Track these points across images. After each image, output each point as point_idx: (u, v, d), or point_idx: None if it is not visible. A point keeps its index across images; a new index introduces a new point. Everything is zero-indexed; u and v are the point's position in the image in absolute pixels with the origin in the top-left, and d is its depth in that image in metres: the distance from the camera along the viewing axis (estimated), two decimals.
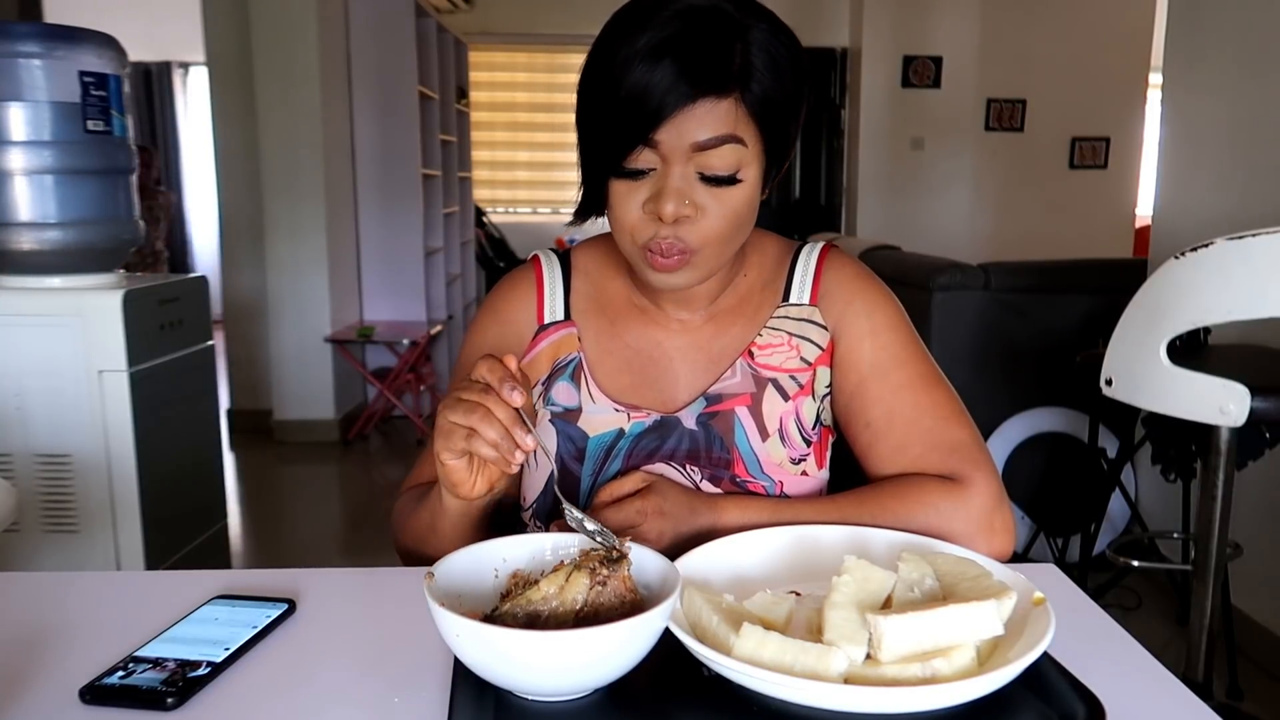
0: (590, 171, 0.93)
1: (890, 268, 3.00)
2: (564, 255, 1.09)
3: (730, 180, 0.88)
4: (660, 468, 0.99)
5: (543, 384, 1.02)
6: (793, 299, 1.04)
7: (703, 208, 0.88)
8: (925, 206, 6.01)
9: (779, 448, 1.00)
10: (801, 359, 1.01)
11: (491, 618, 0.69)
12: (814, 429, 1.02)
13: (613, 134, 0.87)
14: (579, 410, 1.01)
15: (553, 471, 1.00)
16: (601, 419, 1.00)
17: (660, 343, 1.03)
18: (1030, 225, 6.01)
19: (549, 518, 1.01)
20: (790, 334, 1.02)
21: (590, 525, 0.76)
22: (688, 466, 0.99)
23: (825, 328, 1.02)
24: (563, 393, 1.01)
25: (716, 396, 1.00)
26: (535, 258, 1.09)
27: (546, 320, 1.05)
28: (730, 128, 0.86)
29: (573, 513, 0.77)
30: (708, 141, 0.86)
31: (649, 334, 1.03)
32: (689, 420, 1.00)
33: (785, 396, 1.00)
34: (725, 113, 0.86)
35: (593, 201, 0.95)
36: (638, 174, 0.88)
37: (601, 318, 1.04)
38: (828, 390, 1.03)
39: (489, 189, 7.00)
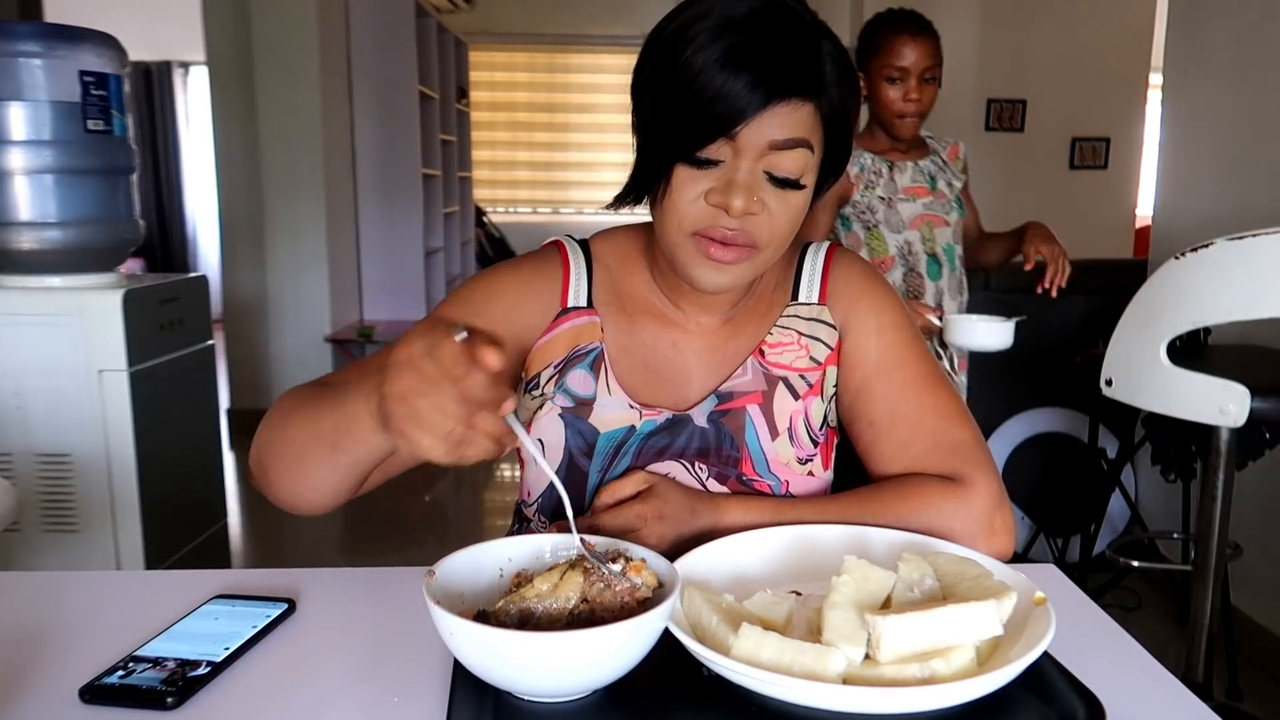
0: (653, 155, 0.92)
1: None
2: (584, 244, 1.08)
3: (794, 184, 0.89)
4: (668, 466, 0.99)
5: (556, 368, 1.01)
6: (802, 298, 1.04)
7: (767, 206, 0.89)
8: None
9: (787, 447, 1.00)
10: (811, 358, 1.01)
11: (485, 616, 0.69)
12: (821, 429, 1.02)
13: (691, 126, 0.87)
14: (593, 401, 0.99)
15: (559, 467, 1.00)
16: (614, 414, 0.99)
17: (676, 343, 1.02)
18: None
19: (554, 514, 1.01)
20: (800, 333, 1.02)
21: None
22: (696, 464, 0.99)
23: (834, 327, 1.02)
24: (579, 380, 1.00)
25: (728, 394, 1.00)
26: (559, 242, 1.07)
27: (570, 304, 1.03)
28: (806, 132, 0.88)
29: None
30: (784, 143, 0.87)
31: (666, 334, 1.03)
32: (700, 418, 1.00)
33: (795, 396, 1.00)
34: (805, 117, 0.88)
35: (643, 186, 0.95)
36: (707, 163, 0.89)
37: (621, 313, 1.03)
38: (835, 390, 1.03)
39: (489, 189, 7.00)
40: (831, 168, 0.94)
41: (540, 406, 1.01)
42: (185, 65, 8.19)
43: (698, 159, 0.88)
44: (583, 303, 1.03)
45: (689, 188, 0.89)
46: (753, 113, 0.85)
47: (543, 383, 1.01)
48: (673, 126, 0.88)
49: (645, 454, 0.99)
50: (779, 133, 0.87)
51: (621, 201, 0.98)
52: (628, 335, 1.02)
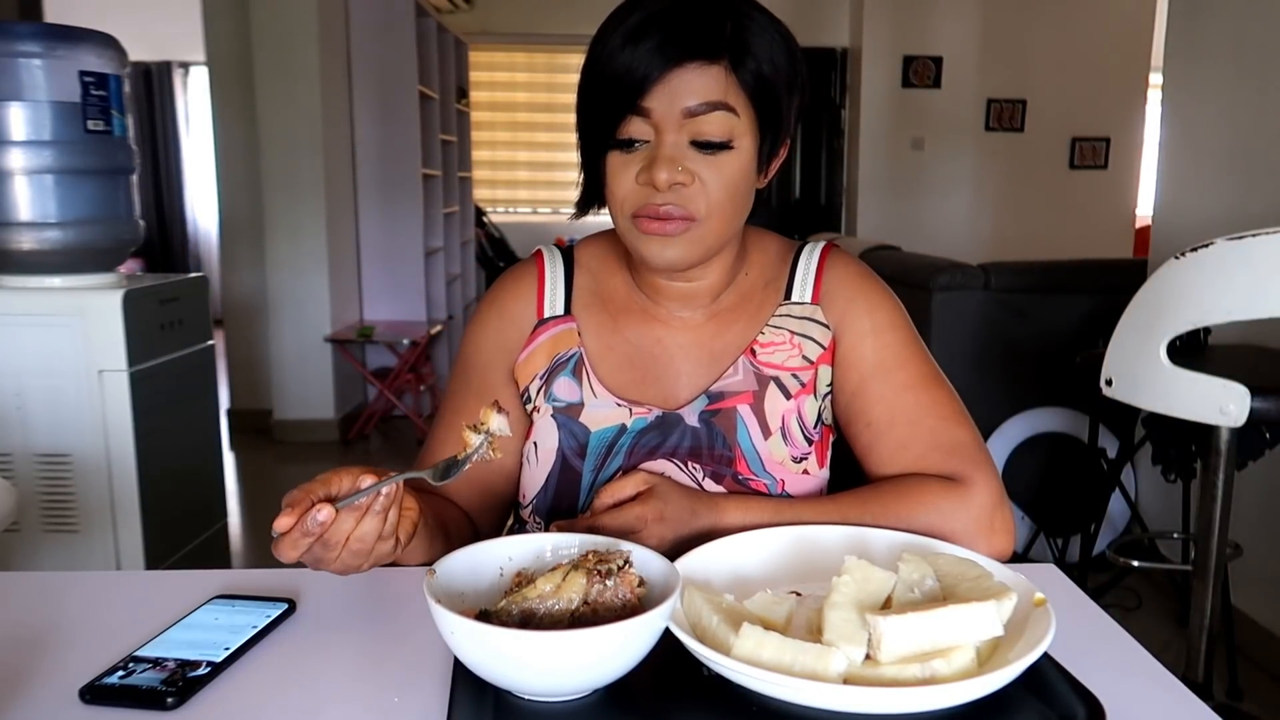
0: (587, 151, 0.95)
1: (890, 268, 2.99)
2: (567, 251, 1.09)
3: (723, 146, 0.89)
4: (662, 465, 0.99)
5: (541, 379, 1.02)
6: (794, 297, 1.04)
7: (698, 175, 0.90)
8: (925, 206, 6.01)
9: (781, 446, 1.00)
10: (804, 357, 1.01)
11: (486, 615, 0.69)
12: (815, 428, 1.02)
13: (605, 105, 0.89)
14: (581, 405, 1.01)
15: (553, 467, 1.00)
16: (603, 414, 1.00)
17: (661, 339, 1.03)
18: (1030, 225, 6.00)
19: (549, 515, 1.01)
20: (792, 332, 1.02)
21: None
22: (689, 464, 0.99)
23: (827, 326, 1.02)
24: (564, 388, 1.01)
25: (719, 394, 1.00)
26: (538, 252, 1.09)
27: (546, 314, 1.04)
28: (720, 95, 0.88)
29: None
30: (698, 107, 0.88)
31: (650, 331, 1.03)
32: (691, 417, 1.00)
33: (787, 395, 1.00)
34: (715, 79, 0.88)
35: (592, 187, 0.96)
36: (630, 145, 0.90)
37: (603, 313, 1.04)
38: (829, 389, 1.03)
39: (489, 189, 7.00)
40: (770, 133, 0.93)
41: (534, 414, 1.02)
42: (185, 65, 8.20)
43: (621, 141, 0.90)
44: (559, 311, 1.04)
45: (622, 173, 0.91)
46: (655, 79, 0.86)
47: (533, 395, 1.02)
48: (592, 113, 0.91)
49: (637, 453, 0.99)
50: (690, 98, 0.87)
51: (584, 208, 0.99)
52: (611, 335, 1.03)
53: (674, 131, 0.88)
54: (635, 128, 0.89)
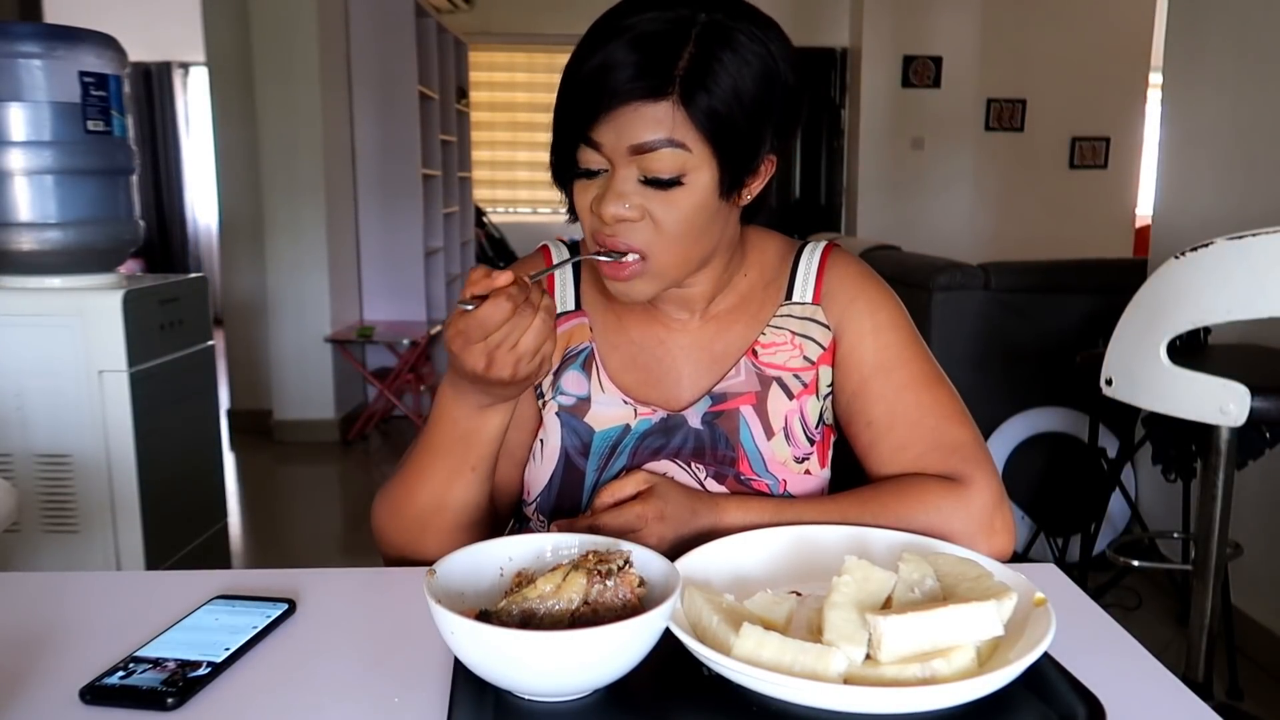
0: (557, 174, 0.95)
1: (890, 268, 2.99)
2: (573, 247, 1.09)
3: (673, 183, 0.87)
4: (665, 465, 0.99)
5: (553, 374, 1.02)
6: (795, 298, 1.04)
7: (649, 211, 0.88)
8: (925, 206, 6.01)
9: (783, 446, 1.00)
10: (805, 358, 1.01)
11: (486, 615, 0.69)
12: (817, 428, 1.02)
13: (561, 134, 0.89)
14: (588, 400, 1.00)
15: (557, 465, 1.00)
16: (609, 412, 1.00)
17: (664, 340, 1.03)
18: (1030, 225, 6.01)
19: (552, 514, 1.01)
20: (794, 333, 1.02)
21: None
22: (692, 465, 0.99)
23: (828, 326, 1.02)
24: (572, 381, 1.01)
25: (721, 395, 1.00)
26: (545, 248, 1.09)
27: (558, 310, 1.04)
28: (668, 132, 0.85)
29: None
30: (645, 144, 0.85)
31: (653, 331, 1.03)
32: (694, 419, 1.00)
33: (789, 395, 1.00)
34: (662, 116, 0.84)
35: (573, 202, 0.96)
36: (590, 174, 0.89)
37: (609, 312, 1.04)
38: (830, 389, 1.03)
39: (489, 189, 7.00)
40: (731, 167, 0.88)
41: (543, 409, 1.02)
42: (185, 65, 8.20)
43: (580, 170, 0.89)
44: (570, 306, 1.05)
45: (582, 198, 0.91)
46: (601, 114, 0.85)
47: (545, 390, 1.02)
48: (554, 140, 0.91)
49: (641, 454, 0.99)
50: (635, 136, 0.85)
51: (574, 215, 0.99)
52: (616, 333, 1.03)
53: (625, 166, 0.87)
54: (590, 157, 0.88)
